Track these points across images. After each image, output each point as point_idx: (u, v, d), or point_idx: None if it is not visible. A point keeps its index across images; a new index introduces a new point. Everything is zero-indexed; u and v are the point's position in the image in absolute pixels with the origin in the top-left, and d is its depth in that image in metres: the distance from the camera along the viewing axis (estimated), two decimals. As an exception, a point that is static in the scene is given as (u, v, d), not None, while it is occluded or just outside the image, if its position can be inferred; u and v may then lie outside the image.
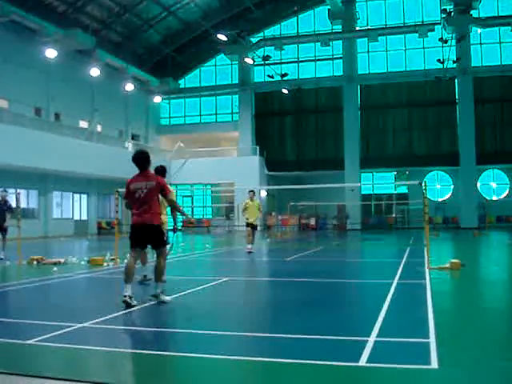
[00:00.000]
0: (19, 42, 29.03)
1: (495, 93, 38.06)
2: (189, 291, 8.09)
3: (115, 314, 6.50)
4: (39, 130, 28.10)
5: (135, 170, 7.35)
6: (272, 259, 15.96)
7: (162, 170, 8.39)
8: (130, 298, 6.80)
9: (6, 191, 15.09)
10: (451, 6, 33.31)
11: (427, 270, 10.45)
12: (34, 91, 30.19)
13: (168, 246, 7.68)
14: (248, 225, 16.41)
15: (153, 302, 7.20)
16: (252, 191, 16.72)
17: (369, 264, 14.13)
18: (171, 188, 7.93)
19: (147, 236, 6.97)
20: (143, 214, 6.87)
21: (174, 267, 13.53)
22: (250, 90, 42.45)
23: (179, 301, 7.75)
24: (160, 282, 7.10)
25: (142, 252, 7.69)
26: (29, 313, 6.76)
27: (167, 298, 7.13)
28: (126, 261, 7.32)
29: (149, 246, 7.37)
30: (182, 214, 8.15)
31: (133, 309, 6.81)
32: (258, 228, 35.90)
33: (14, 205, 14.88)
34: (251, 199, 16.47)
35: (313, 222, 39.12)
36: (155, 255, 7.24)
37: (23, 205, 26.92)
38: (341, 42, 39.89)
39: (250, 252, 15.87)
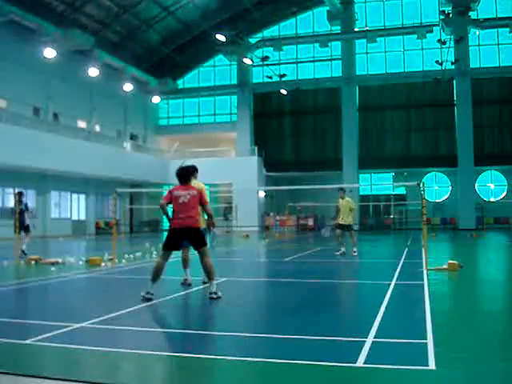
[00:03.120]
0: (18, 41, 29.01)
1: (493, 94, 38.13)
2: (187, 291, 8.09)
3: (113, 314, 6.50)
4: (38, 129, 28.09)
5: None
6: (270, 260, 15.96)
7: (193, 171, 8.56)
8: (152, 294, 7.19)
9: (21, 193, 15.69)
10: (450, 8, 33.36)
11: (425, 271, 10.46)
12: (32, 91, 30.18)
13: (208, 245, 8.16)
14: (339, 226, 15.17)
15: (151, 303, 7.21)
16: (342, 189, 15.20)
17: (367, 265, 14.13)
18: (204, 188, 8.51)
19: (189, 238, 7.45)
20: (187, 218, 7.32)
21: (173, 267, 13.53)
22: (249, 91, 42.47)
23: (178, 301, 7.76)
24: (213, 280, 7.36)
25: (186, 256, 8.52)
26: (27, 313, 6.76)
27: (220, 294, 7.40)
28: (156, 260, 7.62)
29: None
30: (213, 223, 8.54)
31: (131, 309, 6.81)
32: (257, 229, 36.13)
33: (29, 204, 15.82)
34: (342, 198, 14.99)
35: (311, 222, 39.15)
36: (199, 257, 7.56)
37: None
38: (339, 42, 39.95)
39: (341, 254, 14.75)
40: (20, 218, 14.60)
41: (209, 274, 7.40)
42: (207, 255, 7.48)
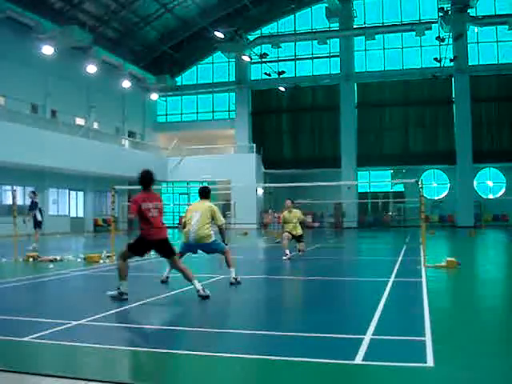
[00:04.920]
0: (16, 38, 28.91)
1: (492, 91, 38.14)
2: (185, 289, 8.08)
3: (111, 312, 6.50)
4: (35, 126, 28.00)
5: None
6: (268, 257, 15.97)
7: (207, 192, 9.27)
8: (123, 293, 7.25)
9: (34, 193, 17.18)
10: (448, 5, 33.31)
11: (423, 268, 10.47)
12: (30, 88, 30.09)
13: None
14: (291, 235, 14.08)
15: (149, 300, 7.21)
16: (289, 199, 14.33)
17: (365, 262, 14.15)
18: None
19: (158, 248, 7.67)
20: (159, 230, 7.53)
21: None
22: (247, 88, 42.42)
23: (176, 298, 7.76)
24: (194, 280, 7.49)
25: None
26: (25, 310, 6.74)
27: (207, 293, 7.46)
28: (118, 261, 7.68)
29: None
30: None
31: (129, 306, 6.81)
32: (255, 226, 36.10)
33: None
34: (289, 211, 14.01)
35: (309, 220, 39.09)
36: (170, 264, 7.93)
37: (19, 202, 26.89)
38: (338, 39, 39.90)
39: (289, 258, 13.57)
40: (34, 215, 16.19)
41: (187, 276, 7.50)
42: (177, 261, 7.70)
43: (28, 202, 17.54)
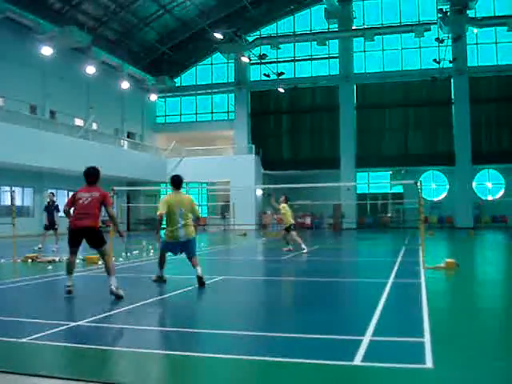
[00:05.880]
0: (15, 39, 28.90)
1: (491, 93, 38.17)
2: (184, 290, 8.08)
3: (110, 313, 6.49)
4: (34, 127, 27.99)
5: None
6: (267, 258, 15.96)
7: (181, 182, 9.13)
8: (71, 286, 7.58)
9: (53, 194, 17.84)
10: (447, 6, 33.31)
11: (422, 270, 10.46)
12: (29, 88, 30.08)
13: None
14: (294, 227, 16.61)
15: (148, 301, 7.20)
16: (284, 195, 17.13)
17: (364, 263, 14.15)
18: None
19: (87, 237, 7.72)
20: (84, 218, 7.58)
21: (170, 266, 13.51)
22: (246, 89, 42.43)
23: (174, 299, 7.75)
24: (113, 276, 7.51)
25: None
26: (23, 311, 6.73)
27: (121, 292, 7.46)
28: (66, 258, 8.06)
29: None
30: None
31: (128, 307, 6.79)
32: (254, 227, 36.09)
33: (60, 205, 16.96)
34: (286, 203, 16.68)
35: (308, 221, 39.11)
36: (100, 256, 8.05)
37: (18, 202, 26.87)
38: (337, 41, 39.93)
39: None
40: (50, 216, 16.84)
41: (109, 271, 7.54)
42: (108, 254, 7.72)
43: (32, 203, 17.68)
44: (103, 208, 7.71)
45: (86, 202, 7.51)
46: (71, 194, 7.86)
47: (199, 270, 8.45)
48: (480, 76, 37.82)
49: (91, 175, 7.79)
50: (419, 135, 39.79)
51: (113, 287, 7.33)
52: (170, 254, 8.99)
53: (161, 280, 8.86)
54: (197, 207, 8.95)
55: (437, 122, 39.22)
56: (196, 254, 8.84)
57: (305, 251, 15.13)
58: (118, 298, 7.27)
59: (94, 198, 7.57)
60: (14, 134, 25.23)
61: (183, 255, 8.81)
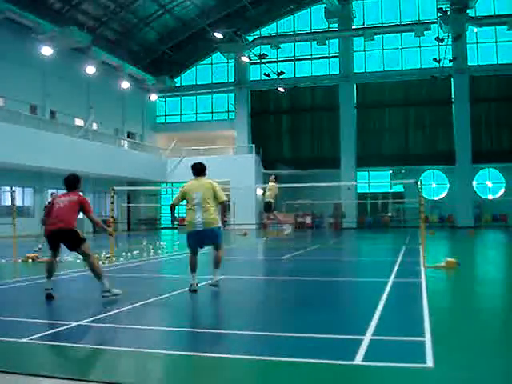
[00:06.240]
0: (15, 39, 28.92)
1: (491, 92, 38.16)
2: (185, 290, 8.07)
3: (111, 312, 6.48)
4: (34, 127, 28.00)
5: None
6: (268, 258, 15.96)
7: (203, 169, 8.54)
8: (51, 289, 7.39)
9: (56, 194, 17.18)
10: (447, 5, 33.32)
11: (423, 269, 10.46)
12: (29, 89, 30.10)
13: None
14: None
15: (149, 300, 7.20)
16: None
17: (364, 263, 14.14)
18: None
19: (63, 240, 7.60)
20: (58, 221, 7.45)
21: (170, 265, 13.53)
22: (246, 89, 42.43)
23: (176, 299, 7.74)
24: (103, 278, 7.34)
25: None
26: (24, 311, 6.73)
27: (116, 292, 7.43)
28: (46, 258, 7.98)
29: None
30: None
31: (129, 307, 6.79)
32: (254, 227, 36.06)
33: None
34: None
35: (309, 220, 39.05)
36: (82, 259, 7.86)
37: (18, 203, 26.86)
38: (337, 40, 39.94)
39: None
40: None
41: (97, 275, 7.36)
42: (90, 254, 7.45)
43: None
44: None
45: (61, 206, 7.44)
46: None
47: (217, 274, 7.92)
48: (480, 75, 37.81)
49: (70, 182, 7.78)
50: (419, 134, 39.79)
51: (107, 293, 7.17)
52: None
53: (190, 288, 7.84)
54: (221, 192, 7.99)
55: (437, 121, 39.22)
56: (222, 247, 8.12)
57: (286, 232, 15.63)
58: (116, 296, 7.23)
59: (71, 201, 7.50)
60: (14, 134, 25.24)
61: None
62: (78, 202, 7.54)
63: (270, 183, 17.74)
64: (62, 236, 7.41)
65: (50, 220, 7.51)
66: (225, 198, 8.04)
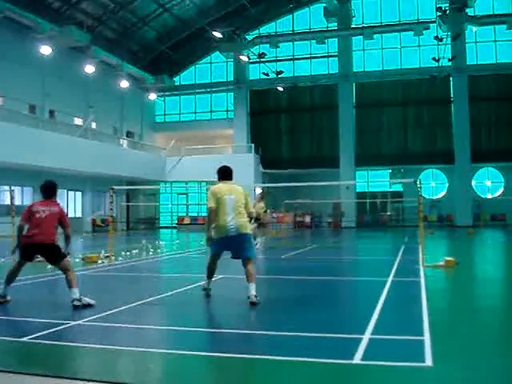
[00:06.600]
0: (14, 38, 28.88)
1: (490, 91, 38.15)
2: (184, 289, 8.08)
3: (110, 312, 6.49)
4: (33, 127, 27.98)
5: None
6: (267, 257, 15.96)
7: (231, 173, 7.71)
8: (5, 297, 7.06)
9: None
10: (446, 4, 33.33)
11: (422, 268, 10.47)
12: (28, 88, 30.06)
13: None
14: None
15: (148, 300, 7.21)
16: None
17: (363, 262, 14.16)
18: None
19: (41, 252, 7.27)
20: (39, 234, 7.10)
21: (170, 265, 13.53)
22: (245, 88, 42.42)
23: (175, 298, 7.75)
24: (76, 288, 6.96)
25: None
26: (23, 310, 6.74)
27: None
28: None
29: None
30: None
31: (128, 306, 6.80)
32: (252, 227, 36.03)
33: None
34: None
35: (308, 219, 39.13)
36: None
37: (17, 202, 26.83)
38: (336, 39, 39.92)
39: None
40: None
41: (69, 284, 7.00)
42: (68, 269, 7.12)
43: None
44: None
45: (43, 216, 7.10)
46: (28, 206, 7.40)
47: (253, 288, 6.99)
48: (479, 74, 37.81)
49: (48, 189, 7.54)
50: (418, 133, 39.79)
51: (76, 302, 6.76)
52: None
53: (205, 291, 7.65)
54: (251, 202, 7.48)
55: (436, 120, 39.22)
56: (253, 257, 7.44)
57: (257, 246, 15.91)
58: (90, 305, 6.79)
59: (53, 212, 7.21)
60: (13, 133, 25.19)
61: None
62: (58, 214, 7.30)
63: (258, 203, 16.81)
64: (41, 249, 7.14)
65: (31, 231, 7.08)
66: (253, 210, 7.59)
